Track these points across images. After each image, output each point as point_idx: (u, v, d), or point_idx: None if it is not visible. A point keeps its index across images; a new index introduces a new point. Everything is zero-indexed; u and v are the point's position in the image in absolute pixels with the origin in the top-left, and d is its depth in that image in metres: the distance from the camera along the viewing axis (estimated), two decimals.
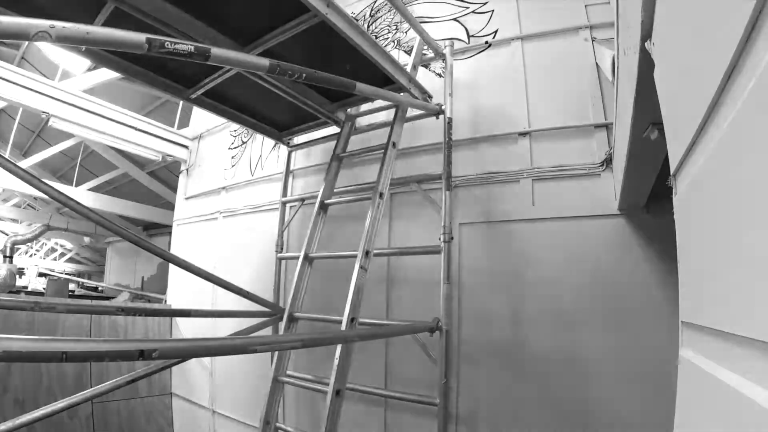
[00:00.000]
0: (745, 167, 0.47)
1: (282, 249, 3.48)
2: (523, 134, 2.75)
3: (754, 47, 0.43)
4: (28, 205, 9.55)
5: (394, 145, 2.56)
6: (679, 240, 0.84)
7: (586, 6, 2.78)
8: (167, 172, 7.18)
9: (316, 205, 2.84)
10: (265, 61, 1.64)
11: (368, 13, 3.82)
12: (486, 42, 3.05)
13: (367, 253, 2.25)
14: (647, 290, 2.19)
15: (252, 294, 2.80)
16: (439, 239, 2.51)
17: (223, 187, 4.39)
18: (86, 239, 10.48)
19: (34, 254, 12.67)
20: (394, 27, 3.56)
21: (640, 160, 1.58)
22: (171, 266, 4.80)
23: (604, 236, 2.37)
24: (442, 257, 2.48)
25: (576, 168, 2.54)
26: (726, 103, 0.52)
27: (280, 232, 3.50)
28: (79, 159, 7.16)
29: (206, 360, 4.05)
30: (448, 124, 2.75)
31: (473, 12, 3.20)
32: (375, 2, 3.80)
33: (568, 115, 2.64)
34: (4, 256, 7.47)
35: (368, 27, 3.76)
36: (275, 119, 3.35)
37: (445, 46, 3.01)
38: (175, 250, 4.83)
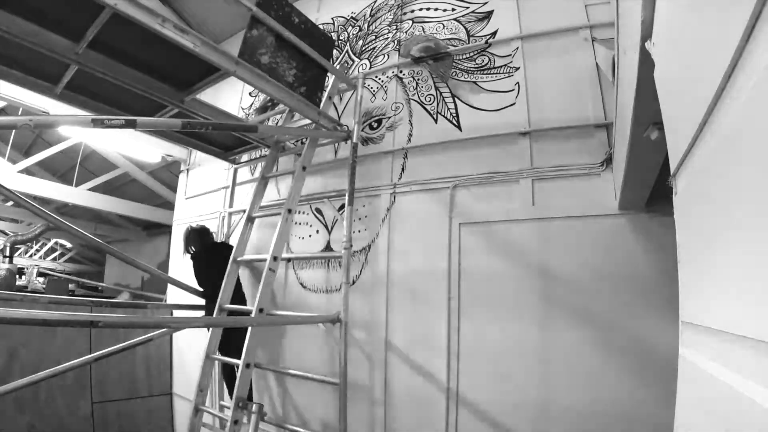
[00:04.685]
0: (745, 167, 0.47)
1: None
2: (523, 134, 2.75)
3: (754, 47, 0.43)
4: None
5: (303, 168, 3.00)
6: (679, 240, 0.84)
7: (586, 6, 2.78)
8: (167, 172, 7.17)
9: (244, 217, 3.27)
10: (178, 122, 2.30)
11: (368, 13, 3.82)
12: (486, 42, 3.05)
13: (275, 258, 2.78)
14: (647, 290, 2.19)
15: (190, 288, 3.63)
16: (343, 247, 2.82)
17: (225, 187, 4.39)
18: None
19: (34, 254, 12.66)
20: (395, 27, 3.56)
21: (640, 160, 1.58)
22: (171, 266, 4.80)
23: (604, 236, 2.37)
24: (344, 262, 2.79)
25: (576, 168, 2.54)
26: (726, 103, 0.52)
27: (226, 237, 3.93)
28: (79, 159, 7.16)
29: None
30: (354, 148, 3.06)
31: (473, 12, 3.20)
32: (375, 2, 3.81)
33: (568, 115, 2.64)
34: (4, 256, 7.47)
35: (368, 27, 3.76)
36: (223, 142, 3.85)
37: (357, 79, 3.32)
38: (176, 250, 4.83)
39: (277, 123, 4.00)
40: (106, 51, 2.47)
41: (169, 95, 2.87)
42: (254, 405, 2.41)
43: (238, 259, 3.19)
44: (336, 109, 3.70)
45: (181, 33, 2.19)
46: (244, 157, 4.17)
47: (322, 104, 3.06)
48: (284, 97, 2.75)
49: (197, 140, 3.74)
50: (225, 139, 3.74)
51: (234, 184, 4.21)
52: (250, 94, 4.49)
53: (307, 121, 3.38)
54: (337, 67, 3.77)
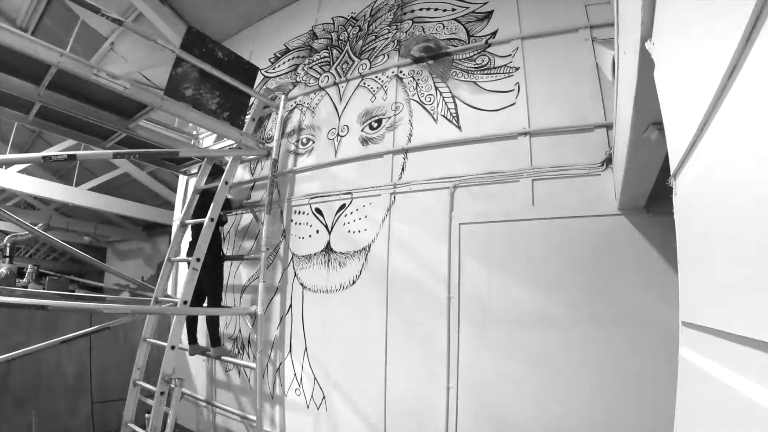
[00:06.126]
0: (745, 168, 0.47)
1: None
2: (523, 134, 2.75)
3: (754, 47, 0.43)
4: (28, 204, 9.55)
5: (226, 182, 3.31)
6: (679, 240, 0.84)
7: (586, 6, 2.78)
8: (167, 172, 7.17)
9: (177, 223, 3.47)
10: (110, 153, 3.03)
11: (368, 13, 3.82)
12: (486, 42, 3.05)
13: (198, 260, 3.08)
14: (647, 290, 2.19)
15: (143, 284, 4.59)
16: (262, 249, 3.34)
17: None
18: (86, 239, 10.48)
19: (34, 254, 12.65)
20: (395, 27, 3.56)
21: (640, 160, 1.58)
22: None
23: (604, 236, 2.37)
24: (261, 262, 3.33)
25: (576, 168, 2.54)
26: (726, 103, 0.52)
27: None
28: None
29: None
30: (274, 164, 3.57)
31: (473, 12, 3.20)
32: (375, 2, 3.81)
33: (568, 115, 2.64)
34: (4, 256, 7.46)
35: (368, 27, 3.76)
36: (175, 159, 4.37)
37: (279, 99, 3.79)
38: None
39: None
40: (64, 91, 2.97)
41: (117, 123, 3.39)
42: (176, 379, 2.86)
43: (172, 259, 3.49)
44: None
45: (112, 79, 2.67)
46: (194, 169, 4.59)
47: (245, 126, 3.51)
48: (208, 124, 3.21)
49: (147, 157, 4.48)
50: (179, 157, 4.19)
51: (186, 192, 4.64)
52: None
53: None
54: (279, 83, 4.18)
